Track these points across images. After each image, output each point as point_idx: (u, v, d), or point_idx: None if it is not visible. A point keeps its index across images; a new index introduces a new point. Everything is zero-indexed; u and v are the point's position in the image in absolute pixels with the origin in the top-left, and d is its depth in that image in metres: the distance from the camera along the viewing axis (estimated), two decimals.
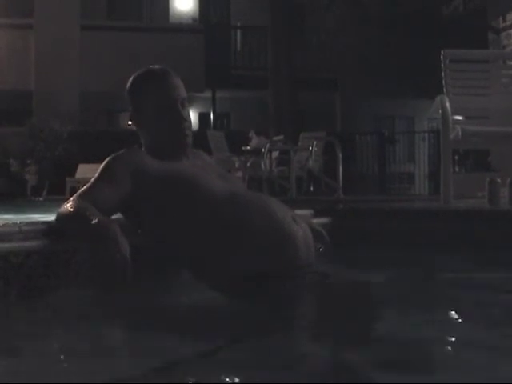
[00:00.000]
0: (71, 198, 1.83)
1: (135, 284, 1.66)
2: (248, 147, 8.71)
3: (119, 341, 1.54)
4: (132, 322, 1.60)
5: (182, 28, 14.49)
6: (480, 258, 2.61)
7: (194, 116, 13.40)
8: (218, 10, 16.12)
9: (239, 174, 7.82)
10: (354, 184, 11.21)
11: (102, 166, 1.93)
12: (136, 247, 1.71)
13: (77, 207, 1.75)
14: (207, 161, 2.25)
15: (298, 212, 2.74)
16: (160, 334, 1.45)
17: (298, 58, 13.23)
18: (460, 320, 1.63)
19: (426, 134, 13.31)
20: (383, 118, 15.60)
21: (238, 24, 15.18)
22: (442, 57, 4.46)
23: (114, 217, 1.91)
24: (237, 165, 8.29)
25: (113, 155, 1.96)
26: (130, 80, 2.13)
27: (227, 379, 1.14)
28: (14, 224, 1.80)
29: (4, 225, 1.80)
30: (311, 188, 9.49)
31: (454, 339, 1.40)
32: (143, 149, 2.09)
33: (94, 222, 1.68)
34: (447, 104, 4.08)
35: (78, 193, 1.87)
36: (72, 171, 9.95)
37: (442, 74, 4.46)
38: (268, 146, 7.75)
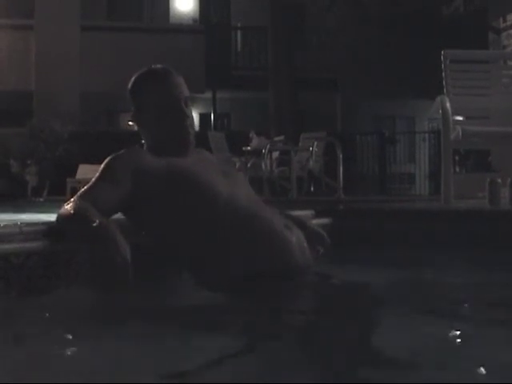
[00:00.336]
0: (72, 199, 1.83)
1: (135, 284, 1.66)
2: (248, 148, 8.71)
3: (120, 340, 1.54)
4: (131, 322, 1.60)
5: (183, 28, 14.49)
6: (480, 258, 2.61)
7: (195, 116, 13.39)
8: (218, 10, 16.12)
9: None
10: (355, 184, 11.21)
11: (102, 165, 1.93)
12: (136, 247, 1.71)
13: (77, 208, 1.75)
14: (210, 159, 2.25)
15: (299, 213, 2.75)
16: (160, 334, 1.45)
17: (298, 58, 13.24)
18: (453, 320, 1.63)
19: (427, 135, 13.32)
20: (383, 118, 15.60)
21: (239, 24, 15.19)
22: (442, 57, 4.46)
23: (114, 217, 1.91)
24: (237, 165, 8.29)
25: (113, 155, 1.95)
26: (132, 79, 2.13)
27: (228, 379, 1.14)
28: (15, 225, 1.80)
29: (5, 226, 1.80)
30: (312, 188, 9.49)
31: (453, 336, 1.40)
32: (145, 148, 2.09)
33: (93, 223, 1.68)
34: (448, 104, 4.08)
35: (78, 193, 1.87)
36: (72, 172, 9.95)
37: (443, 74, 4.46)
38: (268, 146, 7.76)
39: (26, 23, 13.05)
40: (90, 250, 1.70)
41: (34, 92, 12.93)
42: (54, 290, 1.78)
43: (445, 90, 4.42)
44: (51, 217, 1.86)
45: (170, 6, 15.80)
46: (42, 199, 9.66)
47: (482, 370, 1.14)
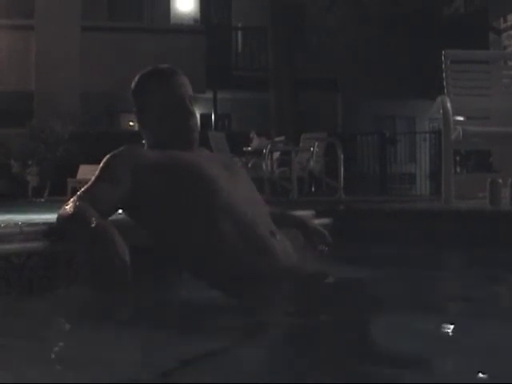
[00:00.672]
0: (71, 199, 1.82)
1: (135, 284, 1.66)
2: (249, 148, 8.71)
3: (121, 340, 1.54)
4: (131, 322, 1.61)
5: (183, 29, 14.50)
6: (480, 258, 2.61)
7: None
8: (218, 11, 16.13)
9: None
10: (355, 184, 11.22)
11: (101, 164, 1.92)
12: (135, 248, 1.71)
13: (76, 209, 1.75)
14: (212, 155, 2.25)
15: (300, 213, 2.76)
16: (159, 334, 1.45)
17: (299, 58, 13.25)
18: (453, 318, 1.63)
19: (427, 135, 13.32)
20: (384, 118, 15.61)
21: (239, 25, 15.19)
22: (443, 57, 4.47)
23: (114, 217, 1.91)
24: (238, 165, 8.28)
25: (112, 153, 1.94)
26: (136, 78, 2.12)
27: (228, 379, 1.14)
28: (16, 225, 1.81)
29: (5, 226, 1.80)
30: (312, 189, 9.50)
31: (453, 336, 1.40)
32: (145, 147, 2.08)
33: (92, 224, 1.68)
34: (448, 104, 4.08)
35: (78, 193, 1.86)
36: (73, 172, 9.95)
37: (443, 74, 4.46)
38: (269, 146, 7.76)
39: (26, 23, 13.05)
40: (89, 250, 1.70)
41: (34, 92, 12.93)
42: (55, 290, 1.78)
43: (445, 90, 4.42)
44: (52, 217, 1.86)
45: (171, 7, 15.80)
46: (42, 199, 9.66)
47: (482, 369, 1.14)
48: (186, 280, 1.93)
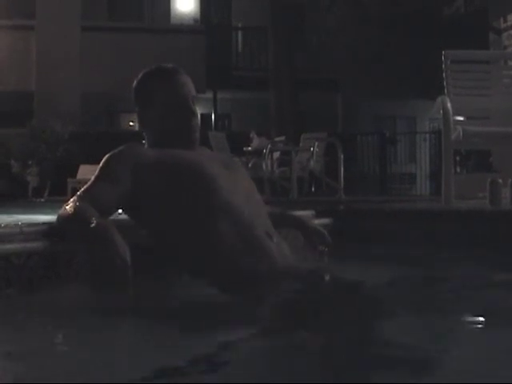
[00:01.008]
0: (71, 199, 1.82)
1: (135, 284, 1.66)
2: (249, 148, 8.71)
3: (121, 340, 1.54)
4: (131, 322, 1.61)
5: (183, 29, 14.49)
6: (480, 258, 2.61)
7: None
8: (218, 10, 16.13)
9: None
10: (355, 184, 11.21)
11: (101, 163, 1.92)
12: (136, 247, 1.71)
13: (75, 209, 1.75)
14: (212, 154, 2.25)
15: (300, 213, 2.75)
16: (159, 333, 1.45)
17: (299, 58, 13.25)
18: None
19: (428, 135, 13.31)
20: (384, 118, 15.60)
21: (239, 25, 15.19)
22: (443, 57, 4.46)
23: (114, 217, 1.91)
24: None
25: (112, 152, 1.94)
26: (139, 77, 2.12)
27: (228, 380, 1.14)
28: (16, 225, 1.81)
29: (5, 226, 1.80)
30: (312, 189, 9.49)
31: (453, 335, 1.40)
32: (146, 147, 2.08)
33: (92, 223, 1.68)
34: (448, 104, 4.08)
35: (78, 193, 1.86)
36: (73, 172, 9.95)
37: (443, 74, 4.46)
38: (269, 146, 7.76)
39: (26, 23, 13.05)
40: (89, 250, 1.70)
41: (34, 92, 12.93)
42: (55, 289, 1.78)
43: (445, 91, 4.42)
44: (52, 217, 1.86)
45: (171, 7, 15.80)
46: (42, 199, 9.66)
47: (482, 369, 1.14)
48: (186, 280, 1.93)
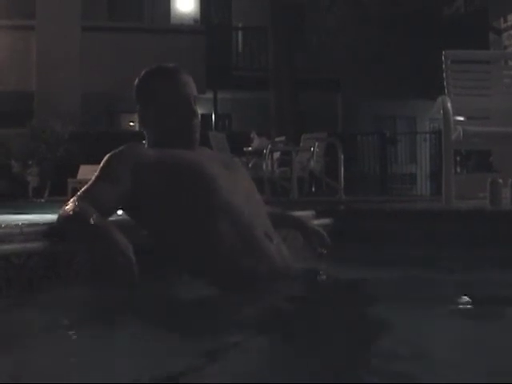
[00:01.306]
0: (72, 199, 1.82)
1: (136, 284, 1.66)
2: (250, 148, 8.71)
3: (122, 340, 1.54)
4: (131, 322, 1.61)
5: (183, 29, 14.50)
6: (480, 258, 2.61)
7: None
8: (218, 10, 16.13)
9: None
10: (356, 185, 11.22)
11: (101, 163, 1.92)
12: (137, 247, 1.71)
13: (76, 209, 1.75)
14: (212, 153, 2.25)
15: (300, 213, 2.75)
16: (159, 333, 1.45)
17: (299, 58, 13.25)
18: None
19: (428, 135, 13.32)
20: (384, 118, 15.61)
21: (239, 25, 15.19)
22: (443, 57, 4.46)
23: (114, 216, 1.91)
24: None
25: (112, 152, 1.94)
26: (140, 75, 2.11)
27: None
28: (16, 225, 1.80)
29: (5, 226, 1.80)
30: (313, 189, 9.49)
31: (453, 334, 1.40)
32: (146, 146, 2.08)
33: (92, 224, 1.67)
34: (449, 105, 4.08)
35: (78, 193, 1.86)
36: (73, 172, 9.95)
37: (444, 74, 4.46)
38: (269, 146, 7.76)
39: (26, 24, 13.05)
40: (90, 250, 1.70)
41: (34, 92, 12.94)
42: (55, 290, 1.78)
43: (446, 91, 4.42)
44: (52, 217, 1.86)
45: (171, 7, 15.80)
46: (43, 200, 9.66)
47: (482, 367, 1.14)
48: (186, 280, 1.93)
